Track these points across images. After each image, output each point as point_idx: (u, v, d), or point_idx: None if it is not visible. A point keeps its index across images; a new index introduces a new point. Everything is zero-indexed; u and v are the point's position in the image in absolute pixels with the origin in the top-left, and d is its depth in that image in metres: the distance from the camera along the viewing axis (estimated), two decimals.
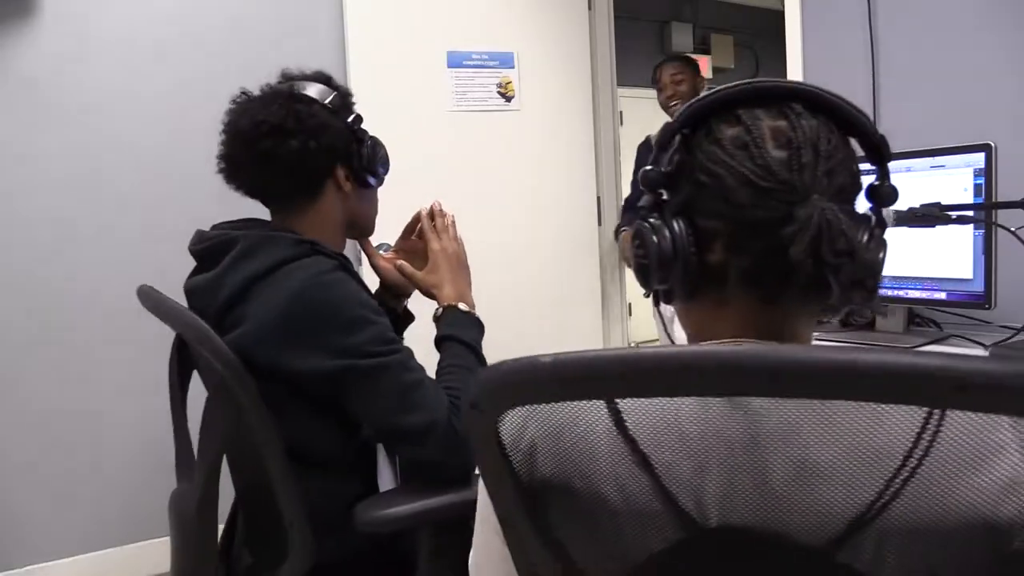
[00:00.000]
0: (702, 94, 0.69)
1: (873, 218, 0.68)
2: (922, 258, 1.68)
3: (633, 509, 0.56)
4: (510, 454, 0.57)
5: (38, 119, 2.25)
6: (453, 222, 1.37)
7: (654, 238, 0.68)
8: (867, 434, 0.50)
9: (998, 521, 0.50)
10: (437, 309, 1.29)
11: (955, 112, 1.96)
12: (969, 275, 1.59)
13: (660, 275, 0.68)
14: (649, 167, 0.69)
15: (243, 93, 1.22)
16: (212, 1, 2.47)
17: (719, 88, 0.68)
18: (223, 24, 2.48)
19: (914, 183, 1.66)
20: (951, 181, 1.61)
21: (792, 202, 0.62)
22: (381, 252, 1.44)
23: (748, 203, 0.63)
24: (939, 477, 0.50)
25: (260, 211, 1.27)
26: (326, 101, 1.20)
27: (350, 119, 1.23)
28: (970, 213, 1.48)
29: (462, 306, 1.28)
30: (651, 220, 0.69)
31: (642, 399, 0.54)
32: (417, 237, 1.41)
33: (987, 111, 1.90)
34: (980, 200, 1.56)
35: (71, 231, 2.29)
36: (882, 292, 1.75)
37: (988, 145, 1.55)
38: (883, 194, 0.70)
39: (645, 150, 2.92)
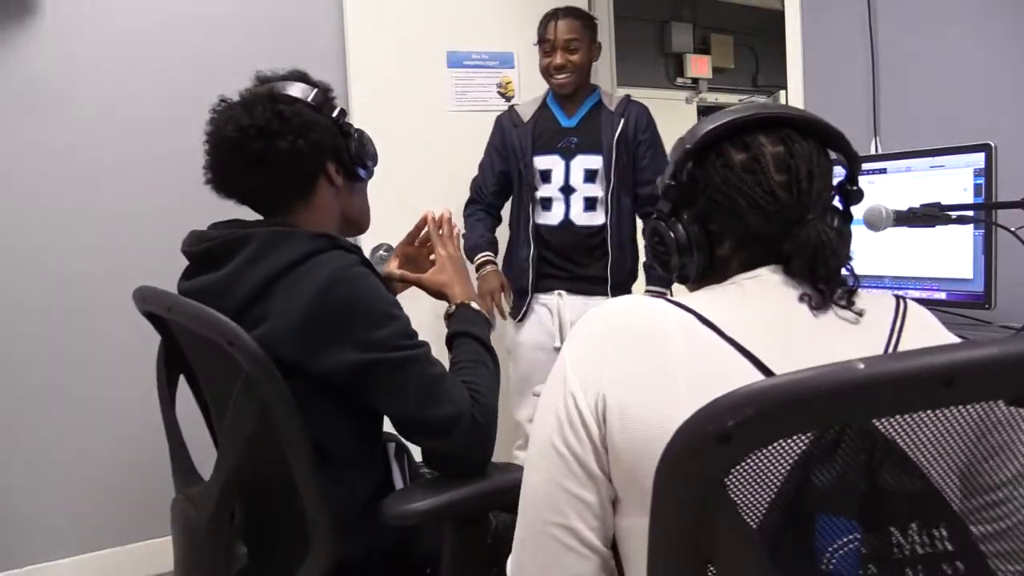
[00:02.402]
0: (700, 122, 0.81)
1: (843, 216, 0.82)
2: (922, 258, 1.68)
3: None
4: (731, 488, 0.48)
5: (39, 118, 2.24)
6: (459, 234, 1.39)
7: (671, 234, 0.83)
8: None
9: None
10: (449, 307, 1.30)
11: (955, 112, 1.96)
12: (969, 275, 1.59)
13: (679, 261, 0.83)
14: (671, 180, 0.83)
15: (222, 100, 1.20)
16: (212, 1, 2.47)
17: (725, 114, 0.80)
18: (223, 24, 2.48)
19: (914, 183, 1.66)
20: (951, 181, 1.61)
21: (791, 221, 0.76)
22: (382, 252, 1.45)
23: (756, 222, 0.77)
24: None
25: (247, 215, 1.24)
26: (308, 98, 1.20)
27: (334, 114, 1.23)
28: (970, 213, 1.48)
29: (474, 305, 1.29)
30: (667, 222, 0.84)
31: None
32: (419, 244, 1.44)
33: (987, 111, 1.90)
34: (980, 200, 1.56)
35: (71, 231, 2.29)
36: (883, 291, 1.75)
37: (988, 145, 1.55)
38: (853, 196, 0.85)
39: (508, 123, 2.49)
